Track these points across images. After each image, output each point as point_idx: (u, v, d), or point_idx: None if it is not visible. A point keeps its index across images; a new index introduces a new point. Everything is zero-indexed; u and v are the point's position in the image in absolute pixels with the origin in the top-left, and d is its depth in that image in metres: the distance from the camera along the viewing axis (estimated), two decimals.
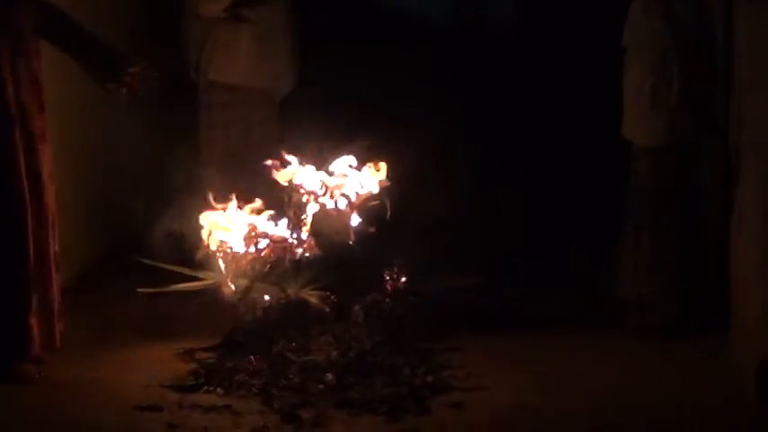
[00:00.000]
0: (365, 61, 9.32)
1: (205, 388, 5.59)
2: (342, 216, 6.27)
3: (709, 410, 5.23)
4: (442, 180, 7.50)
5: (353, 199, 6.30)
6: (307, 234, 6.23)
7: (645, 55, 6.14)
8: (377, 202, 6.33)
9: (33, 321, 5.66)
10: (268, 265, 6.16)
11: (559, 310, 6.53)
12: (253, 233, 6.20)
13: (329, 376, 5.61)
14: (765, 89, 4.86)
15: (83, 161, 7.38)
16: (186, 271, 6.38)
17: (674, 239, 6.18)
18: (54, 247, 5.82)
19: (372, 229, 6.28)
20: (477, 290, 6.52)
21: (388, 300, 6.17)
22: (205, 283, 6.27)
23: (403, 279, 6.26)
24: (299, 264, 6.18)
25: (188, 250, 6.40)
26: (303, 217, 6.27)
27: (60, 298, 5.87)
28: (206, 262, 6.28)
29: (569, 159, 8.65)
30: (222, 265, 6.21)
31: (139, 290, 6.32)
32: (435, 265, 6.55)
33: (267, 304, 6.11)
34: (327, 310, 6.09)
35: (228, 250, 6.17)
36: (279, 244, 6.19)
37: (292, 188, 6.28)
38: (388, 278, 6.25)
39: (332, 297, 6.12)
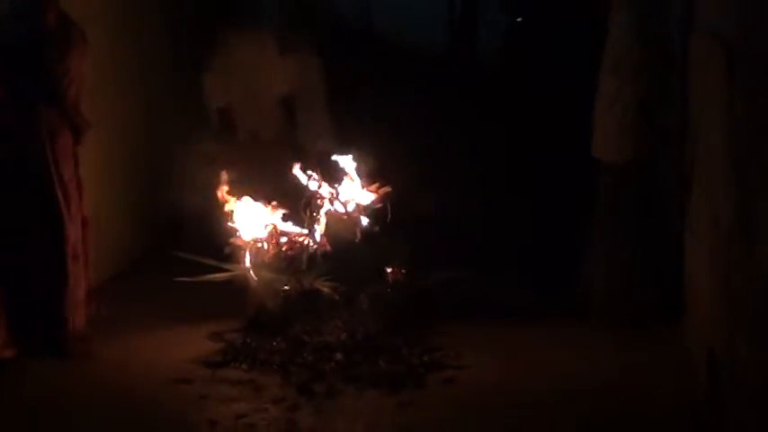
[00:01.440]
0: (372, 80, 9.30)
1: (232, 364, 5.60)
2: (350, 218, 6.24)
3: (658, 394, 5.18)
4: (432, 184, 7.43)
5: (360, 203, 6.29)
6: (321, 233, 6.19)
7: (621, 73, 6.03)
8: (379, 205, 6.29)
9: (68, 304, 5.64)
10: (287, 260, 6.11)
11: (535, 302, 6.45)
12: (275, 231, 6.17)
13: (339, 355, 5.60)
14: (707, 110, 4.83)
15: (129, 164, 7.36)
16: (217, 263, 6.32)
17: (636, 243, 6.10)
18: (86, 245, 5.79)
19: (376, 228, 6.23)
20: (464, 282, 6.44)
21: (389, 290, 6.14)
22: (233, 274, 6.21)
23: (402, 272, 6.23)
24: (313, 258, 6.13)
25: (219, 243, 6.34)
26: (317, 217, 6.23)
27: (89, 286, 5.86)
28: (234, 254, 6.22)
29: (546, 169, 8.64)
30: (248, 258, 6.16)
31: (177, 279, 6.25)
32: (428, 260, 6.44)
33: (286, 293, 6.06)
34: (337, 298, 6.03)
35: (254, 245, 6.14)
36: (297, 241, 6.16)
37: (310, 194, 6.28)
38: (389, 272, 6.21)
39: (341, 287, 6.04)
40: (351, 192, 6.34)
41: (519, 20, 14.86)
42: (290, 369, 5.45)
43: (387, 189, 6.35)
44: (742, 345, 4.12)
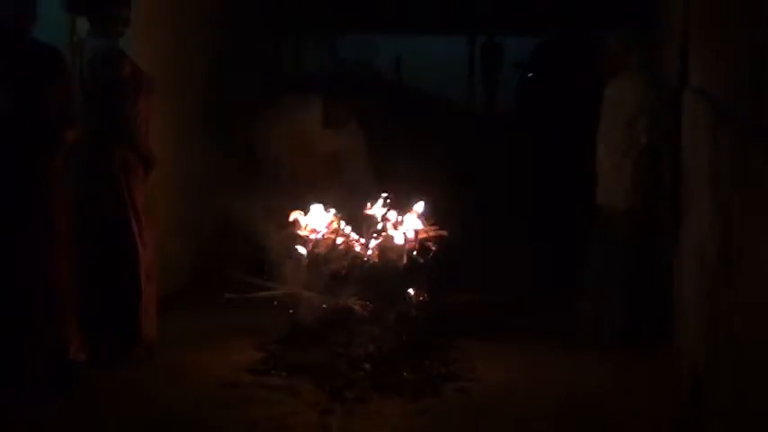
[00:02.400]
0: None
1: (273, 372, 5.58)
2: (404, 245, 6.17)
3: (649, 405, 5.15)
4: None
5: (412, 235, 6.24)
6: (374, 247, 6.15)
7: (638, 125, 5.95)
8: (432, 243, 6.25)
9: (142, 320, 5.68)
10: (332, 275, 6.04)
11: (539, 323, 6.42)
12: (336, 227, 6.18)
13: (367, 366, 5.57)
14: (695, 158, 4.83)
15: (189, 192, 7.36)
16: (262, 282, 6.32)
17: (632, 275, 6.07)
18: (152, 264, 5.81)
19: (422, 261, 6.17)
20: (477, 304, 6.42)
21: (412, 310, 6.09)
22: (277, 292, 6.20)
23: (424, 294, 6.18)
24: (357, 267, 6.05)
25: (267, 263, 6.34)
26: (374, 233, 6.21)
27: (157, 301, 5.88)
28: (279, 273, 6.22)
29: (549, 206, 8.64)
30: (291, 277, 6.14)
31: (226, 295, 6.27)
32: (447, 284, 6.43)
33: (322, 309, 6.03)
34: (367, 315, 5.97)
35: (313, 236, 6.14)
36: (351, 245, 6.13)
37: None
38: (413, 293, 6.16)
39: (370, 305, 5.98)
40: (411, 224, 6.30)
41: (530, 75, 14.93)
42: (324, 377, 5.42)
43: (442, 233, 6.29)
44: (725, 360, 4.10)
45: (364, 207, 6.38)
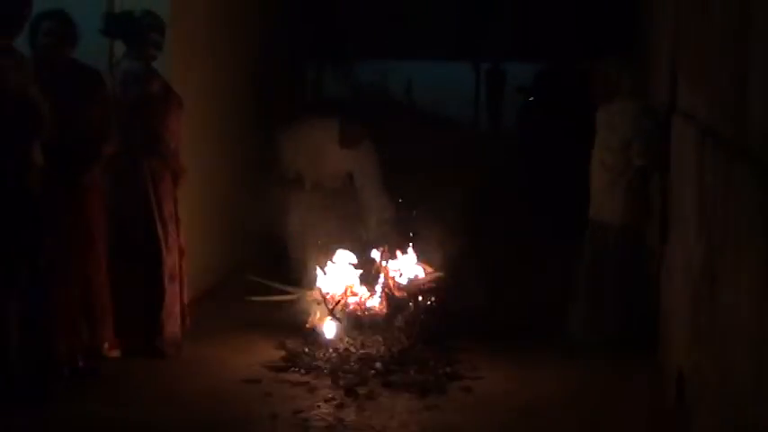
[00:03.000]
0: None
1: (292, 369, 5.56)
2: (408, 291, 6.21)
3: (638, 405, 5.15)
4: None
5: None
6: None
7: (633, 149, 5.93)
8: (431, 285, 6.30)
9: (165, 317, 5.68)
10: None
11: (538, 327, 6.40)
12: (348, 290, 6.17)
13: (378, 365, 5.56)
14: (682, 177, 4.83)
15: (216, 204, 7.36)
16: (283, 287, 6.34)
17: (623, 285, 6.05)
18: (182, 269, 5.82)
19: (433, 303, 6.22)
20: (480, 310, 6.41)
21: (421, 314, 6.09)
22: (296, 296, 6.23)
23: (432, 300, 6.19)
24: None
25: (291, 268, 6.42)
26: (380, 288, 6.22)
27: (183, 302, 5.88)
28: (302, 279, 6.26)
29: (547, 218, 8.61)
30: (314, 284, 6.19)
31: (251, 298, 6.27)
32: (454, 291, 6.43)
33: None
34: (378, 319, 6.01)
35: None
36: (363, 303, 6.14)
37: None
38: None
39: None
40: (409, 269, 6.29)
41: (531, 99, 14.92)
42: (338, 375, 5.42)
43: (439, 275, 6.27)
44: (706, 366, 4.09)
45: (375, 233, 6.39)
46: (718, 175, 3.95)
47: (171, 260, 5.70)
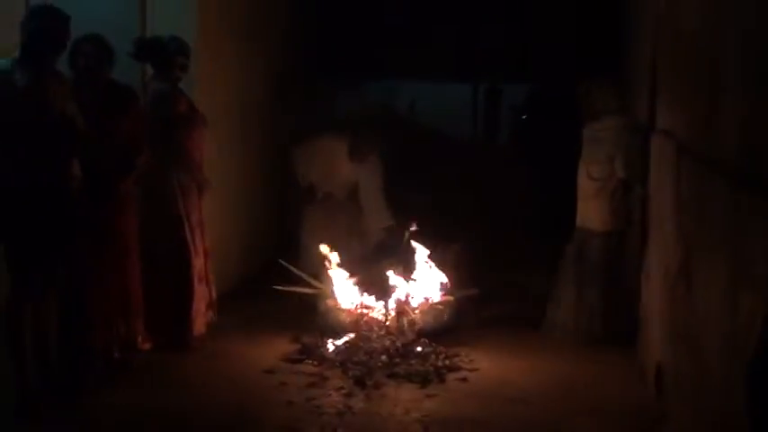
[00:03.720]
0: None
1: (306, 361, 5.55)
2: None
3: (619, 395, 5.14)
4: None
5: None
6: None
7: (617, 162, 5.92)
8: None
9: (193, 315, 5.70)
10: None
11: (529, 323, 6.35)
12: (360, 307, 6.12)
13: (384, 358, 5.55)
14: (660, 188, 4.82)
15: (243, 209, 7.36)
16: (310, 279, 6.34)
17: (607, 286, 6.04)
18: (207, 270, 5.82)
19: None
20: (476, 304, 6.40)
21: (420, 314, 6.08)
22: (314, 291, 6.23)
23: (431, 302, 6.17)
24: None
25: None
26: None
27: (210, 300, 5.88)
28: (322, 279, 6.27)
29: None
30: (331, 281, 6.18)
31: (275, 287, 6.28)
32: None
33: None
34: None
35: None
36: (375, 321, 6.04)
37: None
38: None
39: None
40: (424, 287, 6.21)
41: (524, 117, 14.88)
42: (348, 366, 5.41)
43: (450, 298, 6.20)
44: (682, 360, 4.09)
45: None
46: (693, 187, 3.95)
47: (199, 263, 5.72)
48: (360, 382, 5.19)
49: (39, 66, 4.60)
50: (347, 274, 6.24)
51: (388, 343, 5.74)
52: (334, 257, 6.26)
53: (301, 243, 7.08)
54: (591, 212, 6.05)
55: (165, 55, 5.63)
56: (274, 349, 5.74)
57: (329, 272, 6.25)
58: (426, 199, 7.43)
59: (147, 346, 5.52)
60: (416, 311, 6.04)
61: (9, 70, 4.56)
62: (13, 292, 4.63)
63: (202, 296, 5.77)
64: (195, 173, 5.71)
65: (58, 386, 4.79)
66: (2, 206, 4.57)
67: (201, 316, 5.78)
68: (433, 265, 6.29)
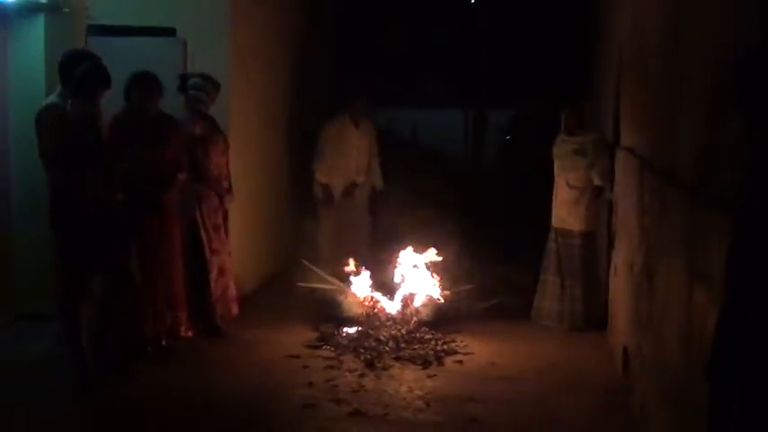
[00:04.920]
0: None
1: (324, 347, 5.53)
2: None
3: (593, 374, 5.11)
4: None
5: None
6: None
7: (594, 171, 5.91)
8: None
9: (214, 305, 5.65)
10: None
11: (517, 313, 6.32)
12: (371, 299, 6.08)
13: (391, 343, 5.53)
14: (626, 196, 4.81)
15: (267, 215, 7.30)
16: (328, 277, 6.28)
17: (585, 280, 6.02)
18: (225, 267, 5.75)
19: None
20: (471, 297, 6.35)
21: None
22: (332, 288, 6.19)
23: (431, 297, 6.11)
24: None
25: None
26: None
27: (236, 293, 5.83)
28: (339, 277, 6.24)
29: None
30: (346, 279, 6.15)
31: (301, 284, 6.26)
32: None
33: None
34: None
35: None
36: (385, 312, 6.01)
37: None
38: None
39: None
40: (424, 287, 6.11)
41: (508, 138, 14.87)
42: (360, 351, 5.39)
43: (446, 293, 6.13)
44: (645, 344, 4.07)
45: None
46: (655, 197, 3.94)
47: (216, 259, 5.65)
48: (370, 365, 5.17)
49: (91, 100, 4.62)
50: (360, 273, 6.21)
51: (394, 331, 5.72)
52: (351, 260, 6.25)
53: (318, 243, 7.02)
54: (570, 215, 6.03)
55: (185, 89, 5.69)
56: (297, 337, 5.72)
57: (345, 270, 6.22)
58: (428, 206, 7.37)
59: (189, 334, 5.51)
60: (419, 304, 6.02)
61: (62, 104, 4.58)
62: (68, 291, 4.63)
63: (226, 286, 5.72)
64: (213, 184, 5.66)
65: (110, 368, 4.80)
66: (62, 214, 4.57)
67: (225, 304, 5.75)
68: (432, 265, 6.25)
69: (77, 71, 4.56)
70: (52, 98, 4.67)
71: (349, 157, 7.12)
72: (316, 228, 7.14)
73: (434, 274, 6.17)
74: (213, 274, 5.63)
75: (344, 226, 7.06)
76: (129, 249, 4.85)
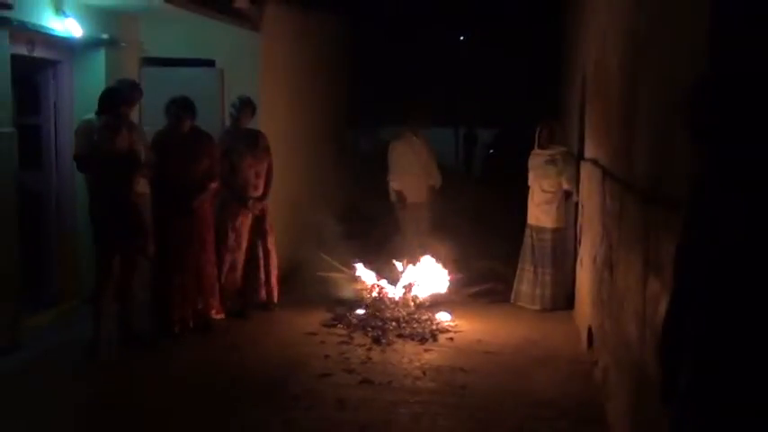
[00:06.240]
0: None
1: (338, 325, 5.50)
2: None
3: (563, 349, 5.09)
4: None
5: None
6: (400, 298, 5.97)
7: (563, 178, 5.90)
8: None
9: (213, 295, 5.46)
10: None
11: (500, 297, 6.30)
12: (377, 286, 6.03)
13: (393, 323, 5.51)
14: (591, 200, 4.79)
15: (297, 214, 7.19)
16: (341, 267, 6.25)
17: (552, 268, 5.99)
18: (242, 264, 5.64)
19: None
20: (461, 283, 6.35)
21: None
22: (345, 275, 6.17)
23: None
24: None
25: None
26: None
27: (262, 281, 5.74)
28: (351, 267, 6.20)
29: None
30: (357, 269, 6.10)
31: (320, 273, 6.23)
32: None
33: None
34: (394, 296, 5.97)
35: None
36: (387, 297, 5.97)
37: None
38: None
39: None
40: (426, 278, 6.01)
41: (491, 152, 14.86)
42: (368, 329, 5.37)
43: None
44: (606, 324, 4.05)
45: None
46: (615, 201, 3.92)
47: (230, 257, 5.55)
48: (377, 341, 5.15)
49: (114, 115, 4.73)
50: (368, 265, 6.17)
51: (397, 313, 5.71)
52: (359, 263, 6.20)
53: (401, 234, 6.86)
54: (543, 214, 6.01)
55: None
56: (315, 317, 5.70)
57: (355, 264, 6.20)
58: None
59: (219, 316, 5.48)
60: (418, 290, 6.00)
61: (94, 119, 4.81)
62: (97, 271, 4.75)
63: (231, 281, 5.61)
64: (236, 192, 5.54)
65: (143, 344, 4.86)
66: (92, 206, 4.76)
67: (270, 288, 5.74)
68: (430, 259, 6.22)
69: (101, 94, 4.82)
70: (89, 115, 4.90)
71: (420, 163, 6.93)
72: (396, 224, 6.97)
73: (441, 265, 6.13)
74: (225, 268, 5.53)
75: (413, 220, 6.87)
76: (146, 239, 4.84)
